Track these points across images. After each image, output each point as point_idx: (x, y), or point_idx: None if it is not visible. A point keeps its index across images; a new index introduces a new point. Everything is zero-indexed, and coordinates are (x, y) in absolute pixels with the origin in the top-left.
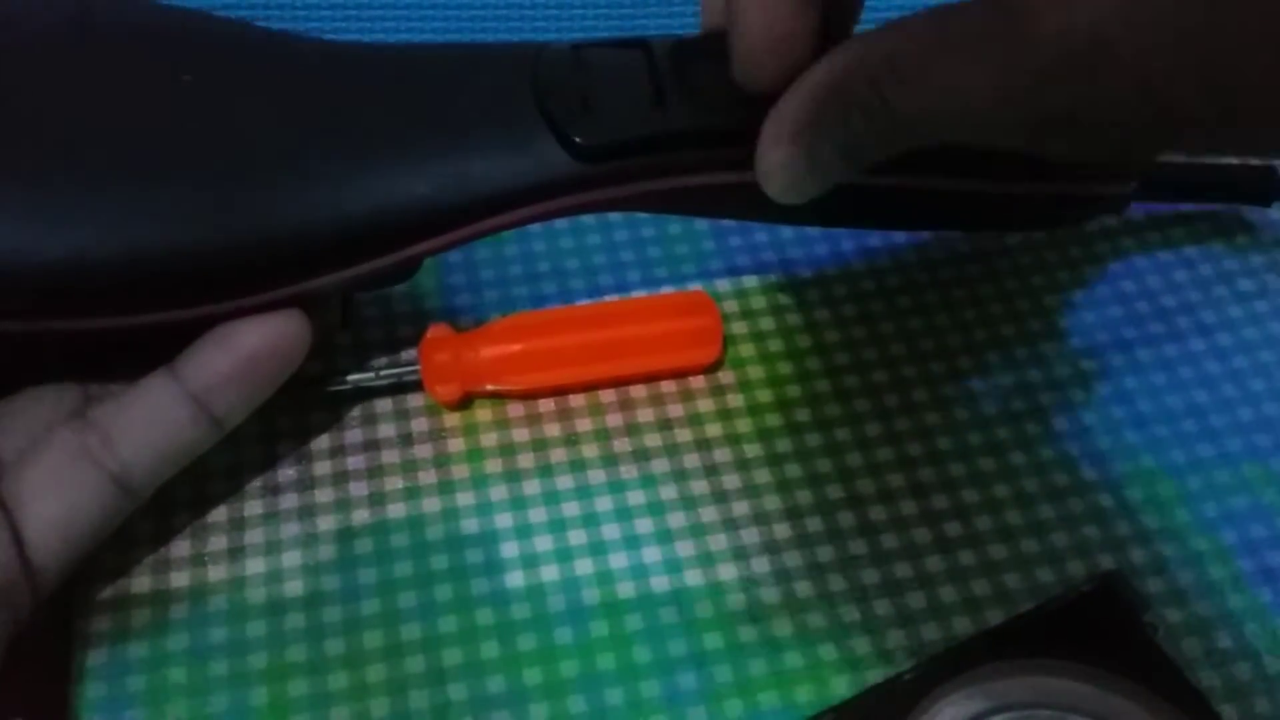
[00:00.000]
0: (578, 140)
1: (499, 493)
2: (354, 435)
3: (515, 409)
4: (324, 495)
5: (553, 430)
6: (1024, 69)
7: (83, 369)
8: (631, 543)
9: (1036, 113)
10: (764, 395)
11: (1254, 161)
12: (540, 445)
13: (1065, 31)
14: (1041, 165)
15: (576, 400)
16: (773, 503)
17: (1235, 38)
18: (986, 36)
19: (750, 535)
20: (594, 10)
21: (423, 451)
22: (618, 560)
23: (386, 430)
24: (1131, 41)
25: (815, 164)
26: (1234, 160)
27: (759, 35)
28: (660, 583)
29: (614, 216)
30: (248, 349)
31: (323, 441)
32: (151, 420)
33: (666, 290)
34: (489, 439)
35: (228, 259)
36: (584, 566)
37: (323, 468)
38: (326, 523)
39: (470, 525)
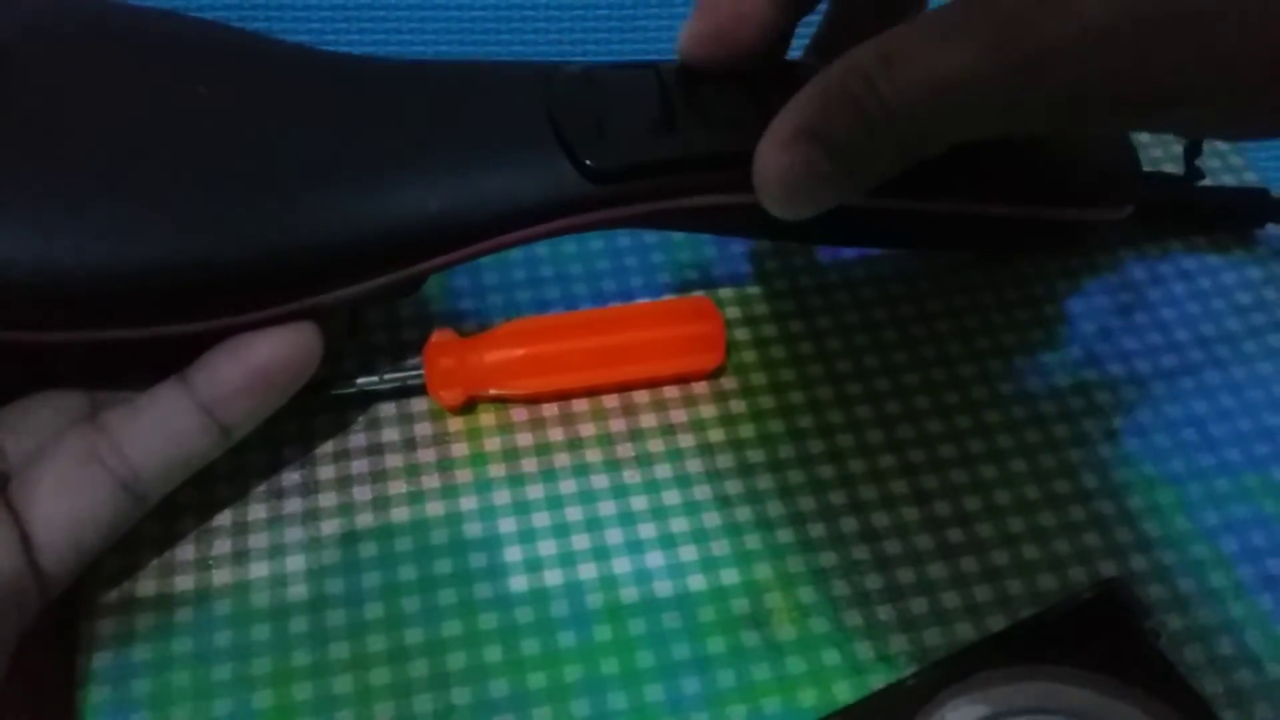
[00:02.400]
0: (588, 163)
1: (502, 497)
2: (358, 439)
3: (519, 413)
4: (328, 499)
5: (556, 435)
6: (1003, 49)
7: (93, 377)
8: (635, 547)
9: (1024, 93)
10: (767, 401)
11: (1251, 184)
12: (544, 450)
13: (1042, 7)
14: (1034, 190)
15: (580, 405)
16: (775, 508)
17: (1223, 13)
18: (968, 22)
19: (753, 540)
20: (595, 10)
21: (426, 456)
22: (621, 565)
23: (390, 434)
24: (1112, 17)
25: (814, 173)
26: (1233, 181)
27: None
28: (663, 587)
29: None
30: (259, 361)
31: (327, 446)
32: (161, 428)
33: (669, 296)
34: (492, 443)
35: (240, 273)
36: (587, 571)
37: (327, 472)
38: (330, 527)
39: (474, 529)
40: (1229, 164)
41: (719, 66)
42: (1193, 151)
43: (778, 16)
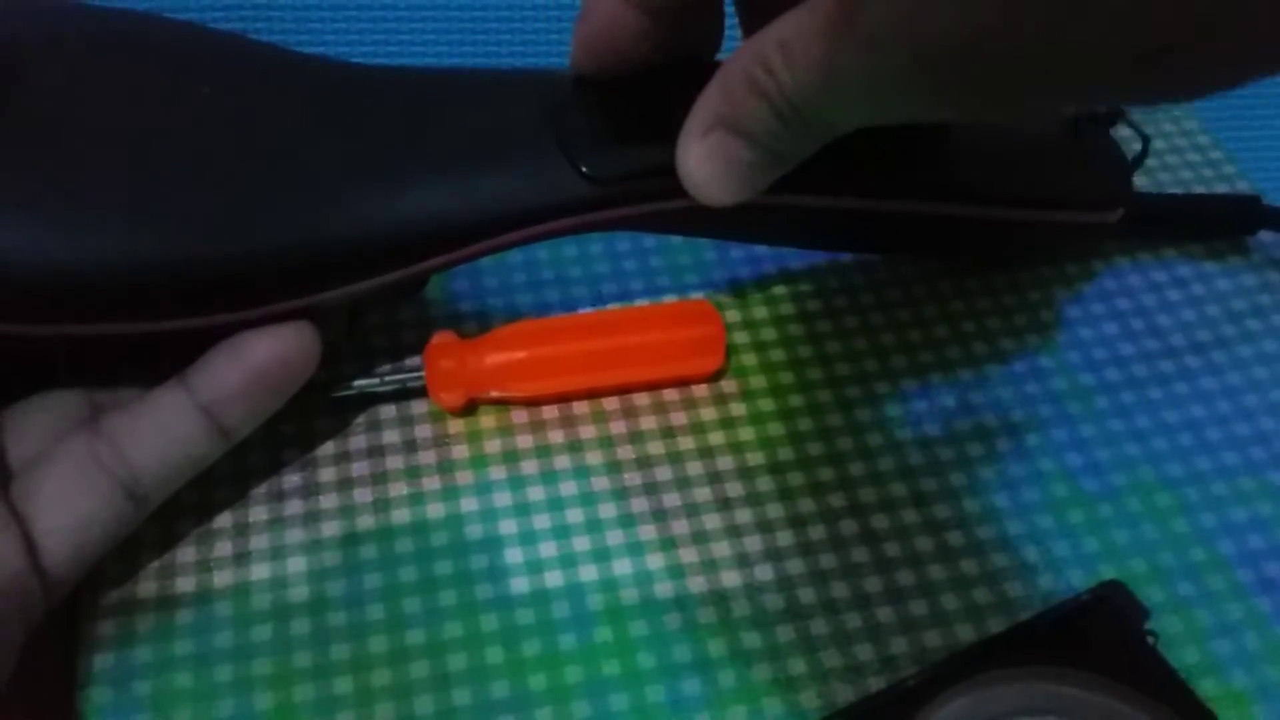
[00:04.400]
0: (587, 165)
1: (503, 499)
2: (358, 441)
3: (519, 415)
4: (329, 501)
5: (556, 437)
6: (860, 34)
7: (92, 376)
8: (635, 549)
9: (885, 75)
10: (766, 404)
11: (1243, 191)
12: (544, 452)
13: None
14: (1024, 193)
15: (580, 407)
16: (775, 510)
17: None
18: (840, 8)
19: (753, 542)
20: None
21: (427, 457)
22: (621, 566)
23: (391, 436)
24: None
25: (730, 159)
26: (1225, 189)
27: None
28: (664, 589)
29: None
30: (258, 361)
31: (327, 447)
32: (162, 431)
33: (670, 299)
34: (493, 445)
35: (241, 269)
36: (588, 572)
37: (327, 474)
38: (331, 528)
39: (474, 531)
40: (1221, 173)
41: (610, 74)
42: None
43: (650, 24)
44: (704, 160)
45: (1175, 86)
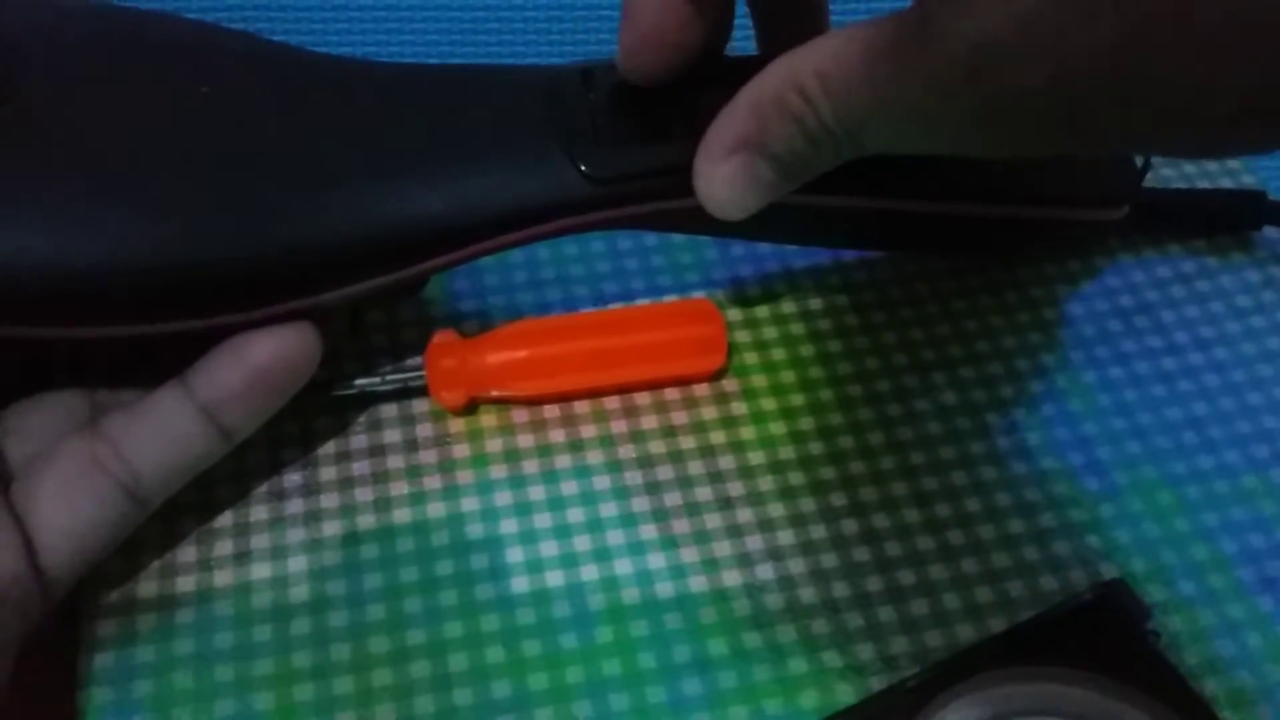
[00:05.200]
0: (588, 164)
1: (504, 498)
2: (359, 440)
3: (520, 415)
4: (329, 500)
5: (557, 436)
6: (923, 74)
7: (93, 378)
8: (636, 549)
9: (950, 116)
10: (768, 403)
11: (1248, 186)
12: (545, 451)
13: (957, 37)
14: (1030, 190)
15: (581, 407)
16: (776, 510)
17: (1143, 43)
18: (896, 45)
19: (754, 542)
20: (597, 11)
21: (428, 457)
22: (622, 566)
23: (392, 435)
24: (1028, 46)
25: (754, 179)
26: (1230, 184)
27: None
28: (665, 589)
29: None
30: (258, 362)
31: (328, 447)
32: (162, 433)
33: (671, 298)
34: (494, 444)
35: (241, 271)
36: (589, 572)
37: (328, 473)
38: (332, 528)
39: (475, 530)
40: (1226, 167)
41: (655, 76)
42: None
43: (696, 24)
44: (727, 182)
45: (1251, 146)
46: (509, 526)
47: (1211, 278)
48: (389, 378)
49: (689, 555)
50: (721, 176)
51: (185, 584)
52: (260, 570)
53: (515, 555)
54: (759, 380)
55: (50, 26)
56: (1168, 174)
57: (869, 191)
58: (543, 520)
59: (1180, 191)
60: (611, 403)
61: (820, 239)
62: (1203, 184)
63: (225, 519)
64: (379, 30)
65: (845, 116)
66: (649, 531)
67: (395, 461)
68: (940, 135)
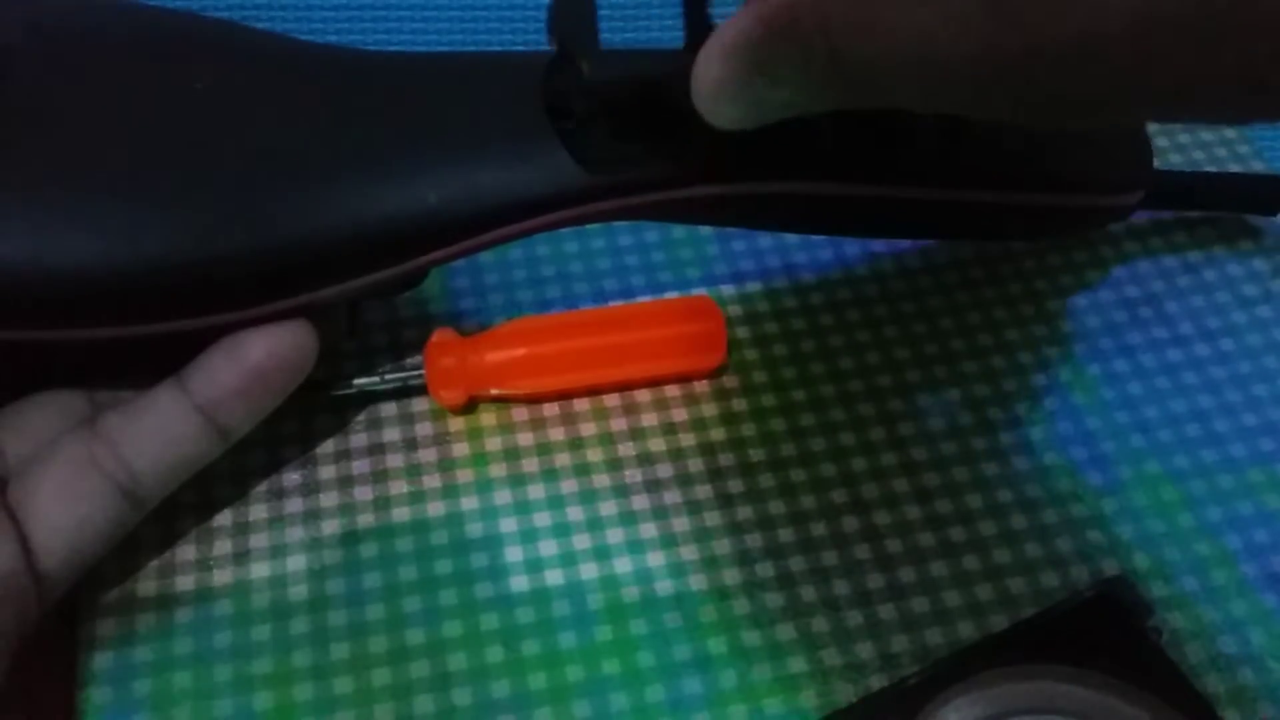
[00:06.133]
0: (586, 154)
1: (503, 497)
2: (358, 439)
3: (519, 413)
4: (328, 499)
5: (557, 434)
6: (1002, 39)
7: (90, 377)
8: (635, 547)
9: (989, 63)
10: (768, 400)
11: (1259, 170)
12: (544, 449)
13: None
14: (1043, 176)
15: (581, 404)
16: (776, 507)
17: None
18: None
19: (754, 540)
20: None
21: (427, 456)
22: (622, 565)
23: (391, 434)
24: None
25: (746, 92)
26: (1239, 169)
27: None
28: (664, 587)
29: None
30: (255, 360)
31: (327, 446)
32: (159, 432)
33: (671, 295)
34: (493, 443)
35: (237, 269)
36: (588, 571)
37: (327, 472)
38: (331, 527)
39: (475, 529)
40: (1236, 153)
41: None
42: None
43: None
44: (718, 84)
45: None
46: (508, 525)
47: (1219, 267)
48: (388, 376)
49: (689, 553)
50: (713, 80)
51: (184, 583)
52: (259, 569)
53: (514, 554)
54: (759, 376)
55: (32, 21)
56: (1175, 160)
57: (873, 177)
58: (542, 519)
59: (1195, 175)
60: (611, 400)
61: (825, 227)
62: (1210, 169)
63: (224, 518)
64: (379, 29)
65: (865, 52)
66: (649, 530)
67: (394, 460)
68: (962, 86)
